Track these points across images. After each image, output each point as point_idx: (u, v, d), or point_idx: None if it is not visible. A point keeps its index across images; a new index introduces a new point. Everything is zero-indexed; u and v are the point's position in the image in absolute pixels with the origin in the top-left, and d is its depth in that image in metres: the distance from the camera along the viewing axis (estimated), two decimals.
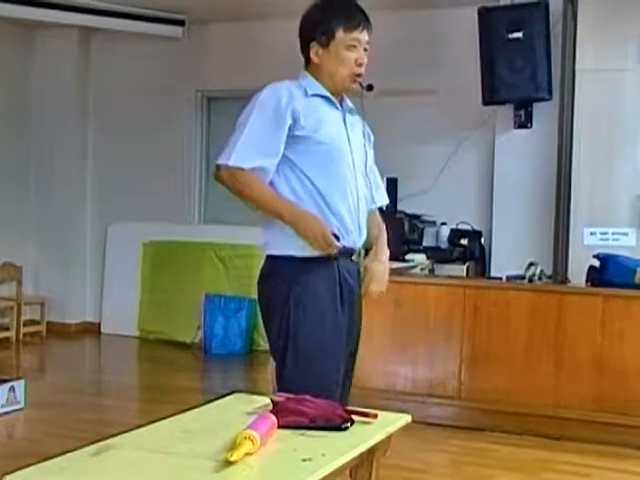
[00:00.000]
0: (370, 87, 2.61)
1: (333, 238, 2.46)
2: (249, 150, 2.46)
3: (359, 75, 2.57)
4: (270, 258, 2.58)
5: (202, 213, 7.90)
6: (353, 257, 2.63)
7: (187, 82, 7.69)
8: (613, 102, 5.65)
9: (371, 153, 2.73)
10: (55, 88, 7.86)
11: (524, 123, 6.10)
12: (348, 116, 2.64)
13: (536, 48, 5.76)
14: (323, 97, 2.57)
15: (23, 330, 7.45)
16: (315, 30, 2.55)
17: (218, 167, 2.50)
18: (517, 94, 5.89)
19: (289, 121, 2.47)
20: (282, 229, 2.51)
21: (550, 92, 5.85)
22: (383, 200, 2.83)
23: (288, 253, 2.52)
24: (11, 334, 7.32)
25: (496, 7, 5.98)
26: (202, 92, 7.79)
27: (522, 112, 6.08)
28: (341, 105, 2.63)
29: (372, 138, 2.77)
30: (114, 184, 7.95)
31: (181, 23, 7.41)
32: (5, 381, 4.87)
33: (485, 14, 5.88)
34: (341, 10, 2.55)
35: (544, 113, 6.02)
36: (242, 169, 2.46)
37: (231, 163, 2.45)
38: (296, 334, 2.47)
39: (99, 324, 7.96)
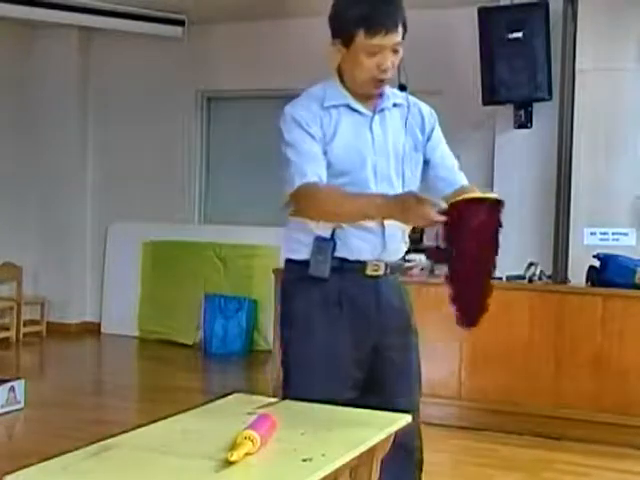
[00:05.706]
0: (402, 87, 2.43)
1: (432, 210, 2.21)
2: (304, 165, 2.32)
3: (382, 80, 2.35)
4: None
5: (202, 213, 7.91)
6: (367, 271, 2.43)
7: (187, 82, 7.69)
8: (613, 102, 5.65)
9: (423, 138, 2.50)
10: (55, 88, 7.86)
11: (524, 123, 6.08)
12: (378, 117, 2.43)
13: (536, 48, 5.75)
14: (343, 106, 2.40)
15: (23, 330, 7.46)
16: (336, 28, 2.35)
17: (289, 198, 2.36)
18: (517, 94, 5.89)
19: (319, 133, 2.36)
20: (288, 231, 2.50)
21: (550, 92, 5.84)
22: (462, 181, 2.59)
23: (290, 257, 2.51)
24: (11, 334, 7.32)
25: (496, 7, 5.98)
26: (202, 92, 7.78)
27: (522, 112, 6.06)
28: (373, 106, 2.42)
29: (427, 123, 2.51)
30: (114, 184, 7.95)
31: (181, 23, 7.41)
32: (5, 381, 4.87)
33: (485, 14, 5.88)
34: (366, 9, 2.27)
35: (544, 113, 6.02)
36: (312, 183, 2.30)
37: (297, 184, 2.31)
38: (288, 349, 2.51)
39: (99, 324, 7.97)
